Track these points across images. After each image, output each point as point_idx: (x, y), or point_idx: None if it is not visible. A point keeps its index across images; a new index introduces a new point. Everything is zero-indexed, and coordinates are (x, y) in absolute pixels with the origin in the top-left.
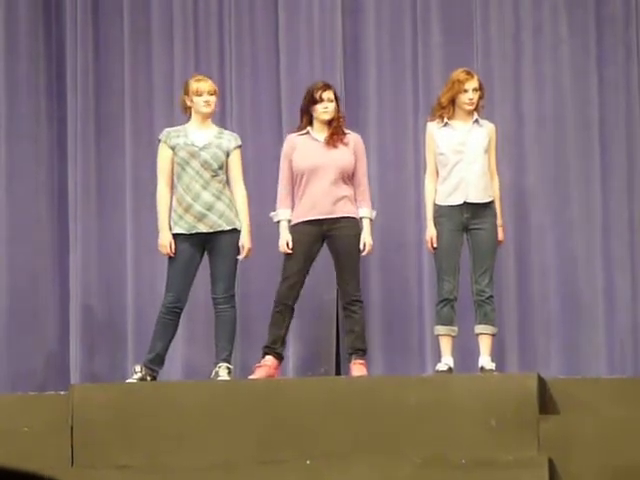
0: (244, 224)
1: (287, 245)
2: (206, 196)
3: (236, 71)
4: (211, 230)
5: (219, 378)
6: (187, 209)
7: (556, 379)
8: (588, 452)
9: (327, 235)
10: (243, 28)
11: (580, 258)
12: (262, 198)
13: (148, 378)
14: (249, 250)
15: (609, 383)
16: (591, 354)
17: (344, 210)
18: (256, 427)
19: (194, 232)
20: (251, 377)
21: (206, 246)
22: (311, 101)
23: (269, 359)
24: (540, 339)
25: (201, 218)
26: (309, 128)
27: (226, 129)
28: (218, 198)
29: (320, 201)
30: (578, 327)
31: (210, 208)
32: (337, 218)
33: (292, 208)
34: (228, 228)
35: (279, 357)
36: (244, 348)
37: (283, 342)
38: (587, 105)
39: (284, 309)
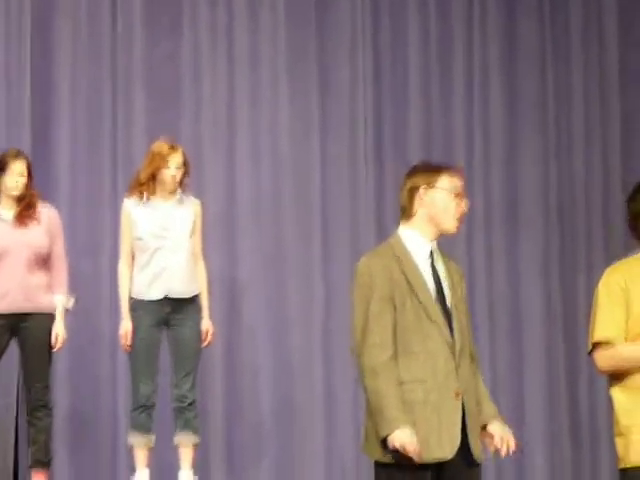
0: None
1: None
2: None
3: None
4: None
5: None
6: None
7: None
8: None
9: (17, 329)
10: None
11: (297, 358)
12: None
13: None
14: None
15: None
16: (307, 462)
17: (37, 304)
18: None
19: None
20: None
21: None
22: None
23: None
24: (251, 448)
25: None
26: None
27: None
28: None
29: (10, 291)
30: (293, 433)
31: None
32: (28, 314)
33: None
34: None
35: None
36: None
37: None
38: (308, 179)
39: None
